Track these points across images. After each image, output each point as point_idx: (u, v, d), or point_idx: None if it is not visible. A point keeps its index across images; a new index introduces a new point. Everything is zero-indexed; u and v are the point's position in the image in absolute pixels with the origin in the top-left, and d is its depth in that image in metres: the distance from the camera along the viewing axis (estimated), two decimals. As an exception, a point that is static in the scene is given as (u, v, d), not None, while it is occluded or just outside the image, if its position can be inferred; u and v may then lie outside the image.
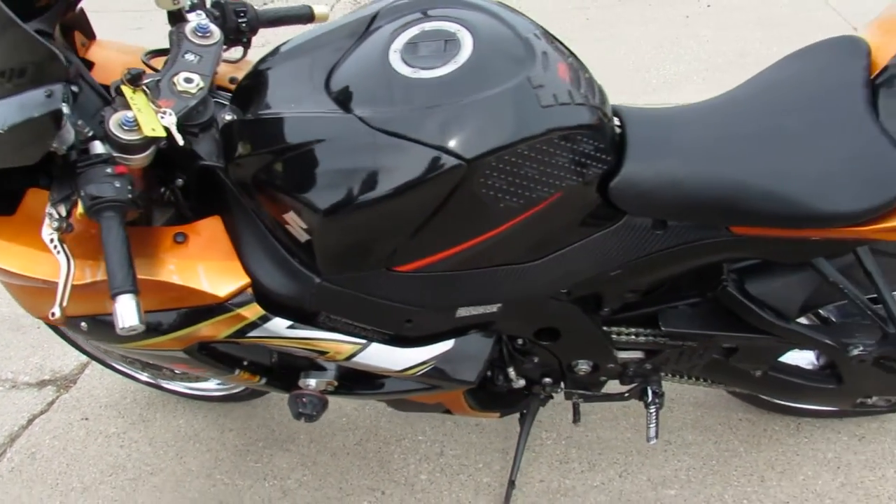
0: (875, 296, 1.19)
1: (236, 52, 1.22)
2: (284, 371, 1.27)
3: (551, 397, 1.50)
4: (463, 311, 1.16)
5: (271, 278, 1.08)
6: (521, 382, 1.38)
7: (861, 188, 0.96)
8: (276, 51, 1.12)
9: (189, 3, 1.08)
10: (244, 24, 1.18)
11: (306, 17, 1.28)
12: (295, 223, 1.00)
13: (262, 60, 1.11)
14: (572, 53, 1.06)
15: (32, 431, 1.84)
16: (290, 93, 1.04)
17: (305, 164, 0.97)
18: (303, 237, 1.01)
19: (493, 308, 1.17)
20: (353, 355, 1.14)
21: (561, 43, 1.07)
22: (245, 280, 1.05)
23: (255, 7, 1.21)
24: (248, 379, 1.25)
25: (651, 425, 1.38)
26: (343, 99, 0.97)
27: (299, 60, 1.08)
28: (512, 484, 1.54)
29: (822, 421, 1.66)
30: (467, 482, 1.62)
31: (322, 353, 1.13)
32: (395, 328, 1.14)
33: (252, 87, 1.08)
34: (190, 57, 1.03)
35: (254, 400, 1.82)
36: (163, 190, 1.11)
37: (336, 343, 1.12)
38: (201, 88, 0.99)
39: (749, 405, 1.69)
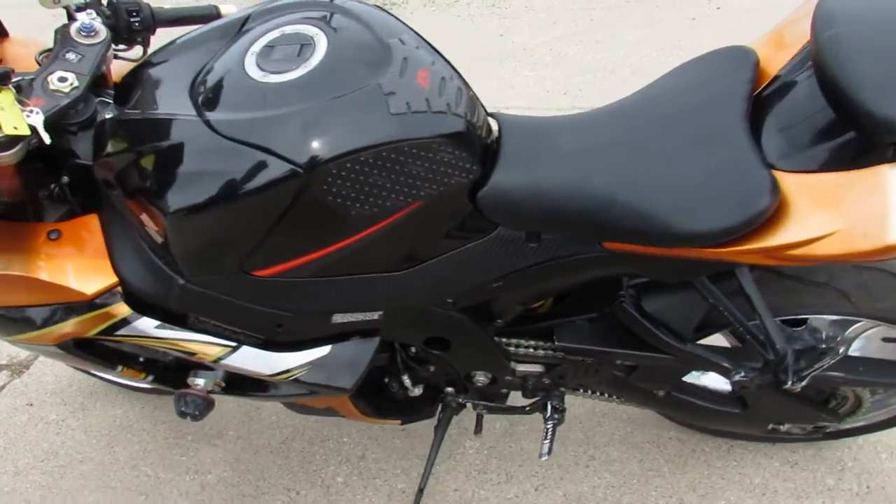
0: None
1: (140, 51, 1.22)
2: (173, 369, 1.27)
3: (463, 406, 1.47)
4: (339, 318, 1.15)
5: (138, 278, 1.08)
6: (418, 391, 1.36)
7: (720, 206, 0.92)
8: (163, 48, 1.12)
9: (76, 2, 1.09)
10: (137, 24, 1.18)
11: (211, 16, 1.28)
12: (149, 224, 1.01)
13: (149, 57, 1.12)
14: (443, 59, 1.04)
15: (-21, 414, 1.89)
16: (158, 92, 1.04)
17: (156, 167, 0.97)
18: (158, 238, 1.01)
19: (375, 315, 1.16)
20: (222, 358, 1.13)
21: (432, 48, 1.05)
22: (113, 279, 1.06)
23: (153, 6, 1.21)
24: (134, 375, 1.25)
25: (545, 441, 1.34)
26: (201, 102, 0.97)
27: (177, 59, 1.08)
28: (420, 492, 1.52)
29: (756, 445, 1.60)
30: (382, 487, 1.61)
31: (191, 354, 1.13)
32: (266, 332, 1.14)
33: (130, 85, 1.09)
34: (70, 56, 1.03)
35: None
36: (52, 186, 1.12)
37: (204, 345, 1.12)
38: (75, 87, 0.99)
39: (681, 425, 1.64)
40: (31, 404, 1.90)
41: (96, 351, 1.19)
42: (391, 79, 0.94)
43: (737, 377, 1.17)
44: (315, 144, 0.91)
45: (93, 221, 1.10)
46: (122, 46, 1.19)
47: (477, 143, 1.01)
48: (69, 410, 1.87)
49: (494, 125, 1.08)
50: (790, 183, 0.92)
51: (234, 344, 1.13)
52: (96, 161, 1.03)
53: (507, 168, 1.02)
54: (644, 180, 0.97)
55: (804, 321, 1.26)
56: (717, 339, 1.28)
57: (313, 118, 0.91)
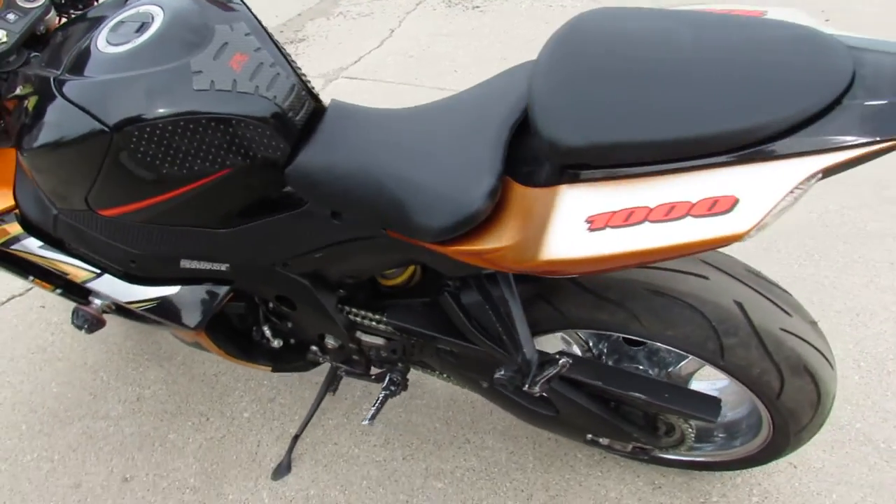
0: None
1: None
2: (76, 286, 1.51)
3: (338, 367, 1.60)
4: (187, 263, 1.32)
5: (29, 205, 1.32)
6: (278, 343, 1.51)
7: (444, 206, 0.99)
8: (79, 15, 1.33)
9: None
10: (79, -4, 1.40)
11: None
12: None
13: (68, 21, 1.34)
14: (278, 51, 1.16)
15: (6, 307, 2.27)
16: (53, 52, 1.26)
17: (25, 112, 1.18)
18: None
19: (222, 267, 1.32)
20: (88, 281, 1.35)
21: (268, 38, 1.17)
22: (10, 203, 1.30)
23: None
24: (45, 286, 1.50)
25: (373, 407, 1.45)
26: (68, 64, 1.17)
27: (78, 25, 1.29)
28: (295, 438, 1.68)
29: (629, 462, 1.61)
30: (276, 428, 1.78)
31: (65, 274, 1.35)
32: (122, 265, 1.33)
33: (50, 43, 1.32)
34: (10, 16, 1.28)
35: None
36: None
37: (75, 268, 1.34)
38: (3, 42, 1.23)
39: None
40: (44, 307, 2.25)
41: (9, 260, 1.44)
42: (203, 59, 1.09)
43: (497, 375, 1.22)
44: (122, 109, 1.07)
45: (10, 154, 1.34)
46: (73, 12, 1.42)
47: (285, 125, 1.13)
48: (67, 317, 2.20)
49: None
50: (517, 193, 0.97)
51: (98, 271, 1.34)
52: (1, 103, 1.27)
53: (313, 149, 1.14)
54: (407, 176, 1.05)
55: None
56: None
57: (125, 86, 1.08)
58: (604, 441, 1.43)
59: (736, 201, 0.78)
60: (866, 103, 0.76)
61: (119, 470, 1.72)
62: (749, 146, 0.79)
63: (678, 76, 0.84)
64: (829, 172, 0.77)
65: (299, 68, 1.19)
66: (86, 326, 1.48)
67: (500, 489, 1.59)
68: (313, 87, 1.21)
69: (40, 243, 1.33)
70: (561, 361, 1.14)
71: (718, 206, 0.78)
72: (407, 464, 1.67)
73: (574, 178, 0.88)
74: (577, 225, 0.85)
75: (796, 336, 1.14)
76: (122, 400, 1.91)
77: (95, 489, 1.68)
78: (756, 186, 0.77)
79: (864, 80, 0.78)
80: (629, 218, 0.82)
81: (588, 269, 0.87)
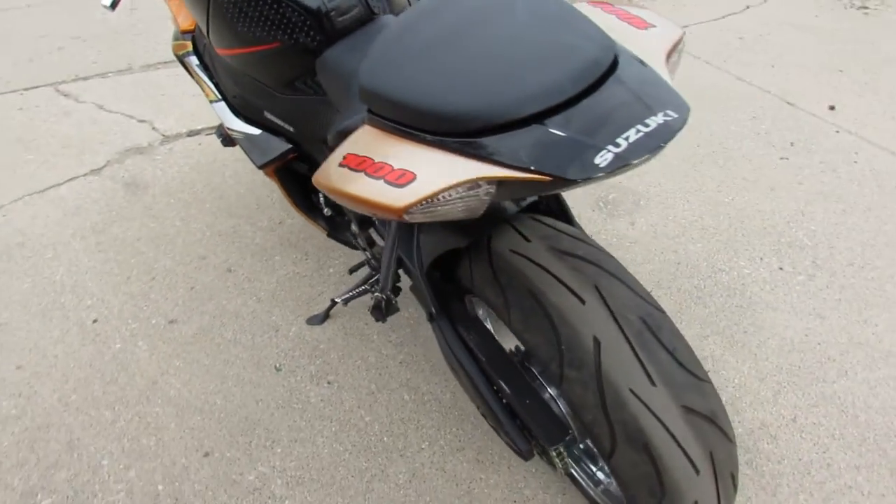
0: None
1: None
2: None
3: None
4: (268, 115, 1.65)
5: (197, 33, 1.76)
6: (327, 211, 1.77)
7: None
8: None
9: None
10: None
11: None
12: None
13: None
14: None
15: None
16: None
17: None
18: None
19: (290, 127, 1.62)
20: (213, 102, 1.75)
21: None
22: (191, 26, 1.76)
23: None
24: (209, 95, 1.96)
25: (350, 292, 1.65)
26: None
27: None
28: (333, 304, 1.96)
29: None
30: (308, 292, 2.08)
31: (203, 90, 1.78)
32: (227, 97, 1.70)
33: None
34: None
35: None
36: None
37: (208, 89, 1.75)
38: None
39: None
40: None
41: (185, 67, 1.92)
42: None
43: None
44: None
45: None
46: None
47: (324, 20, 1.34)
48: (168, 201, 2.75)
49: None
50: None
51: (219, 97, 1.74)
52: None
53: (340, 49, 1.34)
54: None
55: None
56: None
57: None
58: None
59: (413, 178, 0.79)
60: (550, 129, 0.72)
61: (227, 264, 2.21)
62: (468, 135, 0.79)
63: (466, 54, 0.85)
64: (502, 189, 0.75)
65: None
66: (220, 139, 1.92)
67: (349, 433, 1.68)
68: (375, 2, 1.37)
69: (198, 62, 1.76)
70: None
71: (403, 178, 0.80)
72: (403, 367, 1.84)
73: (369, 121, 0.94)
74: (336, 158, 0.92)
75: (647, 408, 1.01)
76: (262, 227, 2.39)
77: (203, 279, 2.19)
78: (431, 173, 0.78)
79: (577, 106, 0.73)
80: (360, 164, 0.87)
81: (331, 195, 0.92)
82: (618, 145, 0.77)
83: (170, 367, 1.85)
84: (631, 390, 1.02)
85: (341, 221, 1.81)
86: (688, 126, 2.93)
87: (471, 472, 1.59)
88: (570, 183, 0.76)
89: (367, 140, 0.91)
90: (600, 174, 0.76)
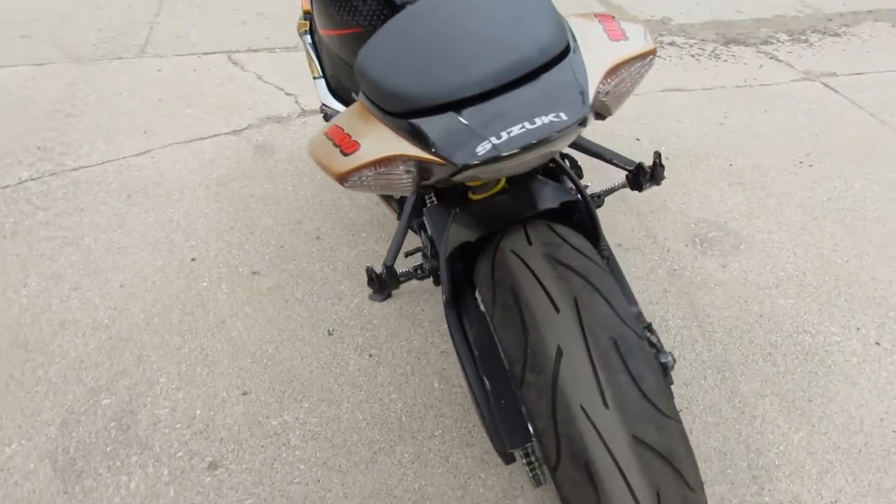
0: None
1: None
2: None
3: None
4: (354, 97, 1.77)
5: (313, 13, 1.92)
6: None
7: None
8: None
9: None
10: None
11: None
12: None
13: None
14: None
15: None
16: None
17: None
18: None
19: None
20: (315, 78, 1.91)
21: None
22: (307, 9, 1.93)
23: None
24: (314, 72, 2.12)
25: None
26: None
27: None
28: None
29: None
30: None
31: (310, 67, 1.94)
32: (328, 76, 1.85)
33: None
34: None
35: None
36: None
37: (314, 65, 1.91)
38: None
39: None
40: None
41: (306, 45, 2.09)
42: None
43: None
44: None
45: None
46: None
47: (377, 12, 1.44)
48: (287, 168, 2.89)
49: None
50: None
51: (321, 74, 1.89)
52: None
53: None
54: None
55: None
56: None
57: None
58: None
59: (356, 149, 0.85)
60: (459, 118, 0.76)
61: (318, 232, 2.37)
62: (404, 115, 0.84)
63: (430, 43, 0.90)
64: (423, 169, 0.80)
65: None
66: (322, 115, 2.08)
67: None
68: None
69: (310, 41, 1.93)
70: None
71: (350, 148, 0.87)
72: (442, 356, 1.89)
73: (360, 98, 1.01)
74: (325, 127, 1.01)
75: (594, 428, 1.00)
76: (359, 204, 2.53)
77: (293, 241, 2.37)
78: (369, 146, 0.84)
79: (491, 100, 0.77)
80: (335, 134, 0.95)
81: (311, 157, 1.02)
82: (499, 137, 0.79)
83: (239, 312, 2.04)
84: (582, 407, 1.00)
85: (408, 206, 1.90)
86: (823, 177, 2.70)
87: (472, 468, 1.60)
88: (459, 167, 0.80)
89: (350, 114, 0.98)
90: (476, 161, 0.77)
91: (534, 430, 1.07)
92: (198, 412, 1.75)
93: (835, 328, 1.99)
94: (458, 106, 0.84)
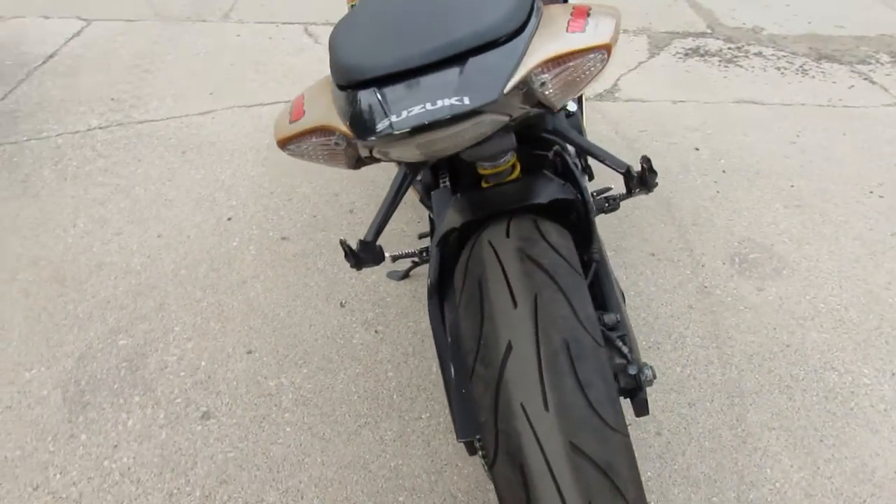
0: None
1: None
2: None
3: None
4: None
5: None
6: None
7: None
8: None
9: None
10: None
11: None
12: None
13: None
14: None
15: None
16: None
17: None
18: None
19: None
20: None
21: None
22: None
23: None
24: None
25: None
26: None
27: None
28: (413, 263, 2.05)
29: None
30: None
31: None
32: None
33: None
34: None
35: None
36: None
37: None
38: None
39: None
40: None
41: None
42: None
43: None
44: None
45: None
46: None
47: None
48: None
49: None
50: None
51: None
52: None
53: None
54: None
55: None
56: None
57: None
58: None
59: (300, 117, 0.87)
60: (377, 94, 0.77)
61: (352, 206, 2.41)
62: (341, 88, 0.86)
63: (386, 23, 0.90)
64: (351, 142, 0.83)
65: None
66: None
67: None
68: None
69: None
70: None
71: (295, 116, 0.88)
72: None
73: None
74: (294, 96, 1.03)
75: (531, 429, 0.98)
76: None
77: (327, 212, 2.41)
78: (310, 115, 0.86)
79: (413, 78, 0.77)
80: (296, 101, 0.97)
81: None
82: (399, 116, 0.78)
83: (261, 274, 2.10)
84: (522, 406, 0.98)
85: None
86: (892, 209, 2.52)
87: (451, 455, 1.60)
88: (363, 141, 0.80)
89: (315, 85, 1.00)
90: (372, 138, 0.77)
91: (478, 422, 1.06)
92: (203, 363, 1.81)
93: (867, 370, 1.86)
94: (382, 82, 0.84)
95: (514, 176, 1.44)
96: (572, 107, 1.75)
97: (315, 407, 1.71)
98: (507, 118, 0.89)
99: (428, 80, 0.84)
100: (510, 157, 1.46)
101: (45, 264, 2.12)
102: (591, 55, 0.91)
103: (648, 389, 1.78)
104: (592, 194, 1.59)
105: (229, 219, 2.33)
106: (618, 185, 2.46)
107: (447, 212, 1.35)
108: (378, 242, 1.39)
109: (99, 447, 1.61)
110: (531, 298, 1.04)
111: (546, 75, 0.89)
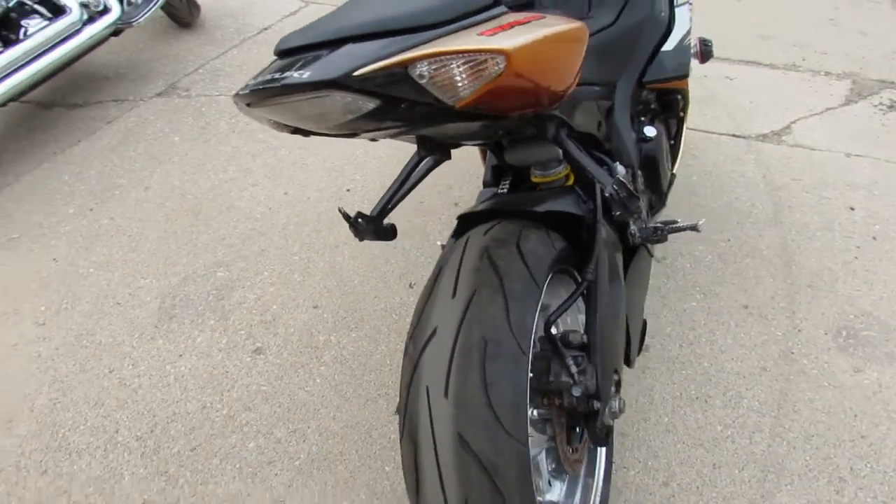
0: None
1: None
2: None
3: None
4: None
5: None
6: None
7: None
8: None
9: None
10: None
11: None
12: None
13: None
14: None
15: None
16: None
17: None
18: None
19: None
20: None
21: None
22: None
23: None
24: None
25: None
26: None
27: None
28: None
29: None
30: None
31: None
32: None
33: None
34: None
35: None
36: None
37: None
38: None
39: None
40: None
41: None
42: None
43: None
44: None
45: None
46: None
47: None
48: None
49: None
50: None
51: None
52: None
53: None
54: None
55: None
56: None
57: None
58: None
59: None
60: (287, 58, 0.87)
61: (457, 199, 2.51)
62: None
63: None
64: None
65: None
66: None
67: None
68: None
69: None
70: None
71: None
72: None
73: None
74: None
75: (429, 412, 1.02)
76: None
77: (433, 201, 2.53)
78: None
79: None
80: None
81: None
82: (255, 80, 0.86)
83: (352, 242, 2.28)
84: (427, 389, 1.03)
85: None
86: None
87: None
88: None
89: None
90: (233, 96, 0.85)
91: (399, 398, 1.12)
92: (274, 307, 2.03)
93: (954, 489, 1.58)
94: (283, 54, 0.94)
95: (568, 182, 1.46)
96: (651, 132, 1.70)
97: (349, 368, 1.84)
98: (375, 102, 0.92)
99: (308, 57, 0.93)
100: (562, 169, 1.47)
101: (190, 198, 2.49)
102: (483, 56, 0.92)
103: (647, 430, 1.68)
104: (659, 224, 1.50)
105: (348, 190, 2.55)
106: (686, 217, 2.30)
107: (480, 203, 1.42)
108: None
109: (168, 353, 1.89)
110: (470, 292, 1.08)
111: (424, 68, 0.91)
